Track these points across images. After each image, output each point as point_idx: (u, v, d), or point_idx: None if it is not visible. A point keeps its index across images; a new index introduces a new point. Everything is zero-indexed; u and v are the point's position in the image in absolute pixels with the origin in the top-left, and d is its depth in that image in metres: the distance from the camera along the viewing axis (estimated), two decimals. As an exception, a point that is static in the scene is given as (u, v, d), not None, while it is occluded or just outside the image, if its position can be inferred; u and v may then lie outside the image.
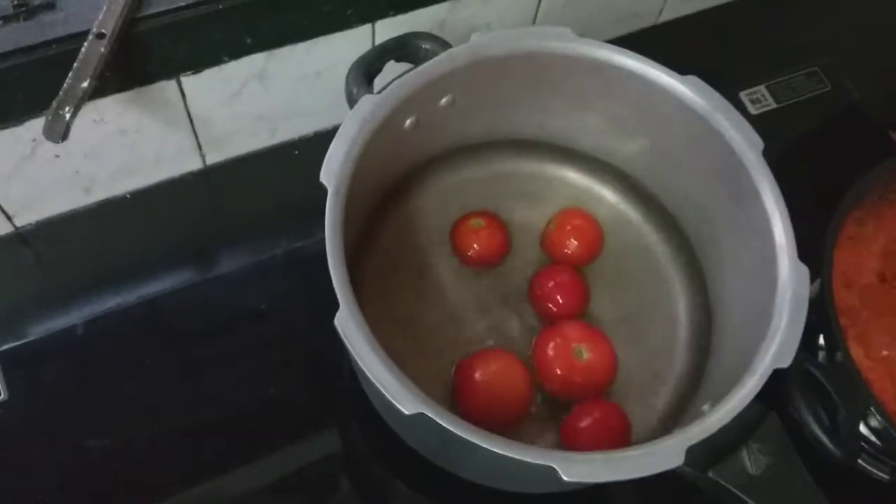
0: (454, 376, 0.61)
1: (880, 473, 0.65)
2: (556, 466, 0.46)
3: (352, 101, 0.58)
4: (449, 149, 0.69)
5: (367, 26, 0.69)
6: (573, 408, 0.60)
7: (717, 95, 0.60)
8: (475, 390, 0.60)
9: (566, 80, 0.64)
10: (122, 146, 0.68)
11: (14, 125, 0.60)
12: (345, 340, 0.48)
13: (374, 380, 0.47)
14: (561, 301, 0.64)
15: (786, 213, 0.56)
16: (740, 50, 0.89)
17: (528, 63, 0.62)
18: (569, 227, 0.67)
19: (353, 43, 0.69)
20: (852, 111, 0.86)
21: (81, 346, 0.67)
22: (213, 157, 0.75)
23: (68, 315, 0.67)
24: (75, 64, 0.54)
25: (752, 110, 0.83)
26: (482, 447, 0.46)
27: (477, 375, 0.60)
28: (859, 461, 0.64)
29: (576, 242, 0.67)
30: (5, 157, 0.63)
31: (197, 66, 0.64)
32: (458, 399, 0.60)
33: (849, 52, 0.90)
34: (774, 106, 0.84)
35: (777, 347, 0.52)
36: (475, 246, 0.66)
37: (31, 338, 0.66)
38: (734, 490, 0.50)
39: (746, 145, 0.58)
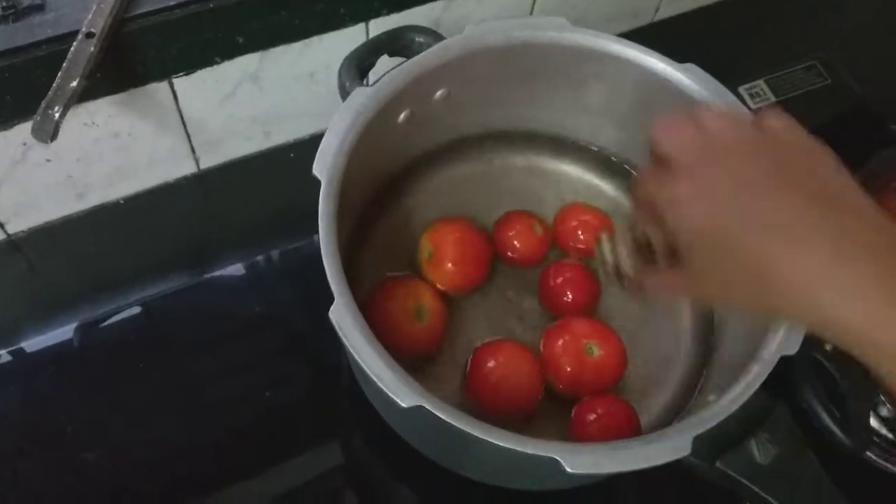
0: (469, 364, 0.60)
1: (893, 467, 0.64)
2: (559, 458, 0.45)
3: (345, 95, 0.57)
4: (444, 143, 0.69)
5: (361, 25, 0.69)
6: (580, 403, 0.59)
7: (715, 83, 0.59)
8: (488, 378, 0.59)
9: (562, 71, 0.63)
10: (114, 150, 0.67)
11: (3, 129, 0.60)
12: (340, 333, 0.47)
13: (370, 373, 0.46)
14: (571, 297, 0.63)
15: (790, 197, 0.55)
16: (738, 45, 0.89)
17: (524, 54, 0.61)
18: (575, 223, 0.66)
19: (347, 42, 0.68)
20: (853, 105, 0.85)
21: (75, 353, 0.66)
22: (207, 161, 0.74)
23: (62, 323, 0.67)
24: (64, 64, 0.54)
25: (752, 104, 0.83)
26: (483, 440, 0.45)
27: (490, 363, 0.59)
28: (869, 454, 0.63)
29: (582, 236, 0.66)
30: (-4, 162, 0.62)
31: (189, 66, 0.64)
32: (470, 387, 0.59)
33: (847, 45, 0.89)
34: (774, 100, 0.83)
35: (783, 334, 0.50)
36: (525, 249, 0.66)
37: (23, 346, 0.65)
38: (742, 480, 0.50)
39: (747, 132, 0.57)
